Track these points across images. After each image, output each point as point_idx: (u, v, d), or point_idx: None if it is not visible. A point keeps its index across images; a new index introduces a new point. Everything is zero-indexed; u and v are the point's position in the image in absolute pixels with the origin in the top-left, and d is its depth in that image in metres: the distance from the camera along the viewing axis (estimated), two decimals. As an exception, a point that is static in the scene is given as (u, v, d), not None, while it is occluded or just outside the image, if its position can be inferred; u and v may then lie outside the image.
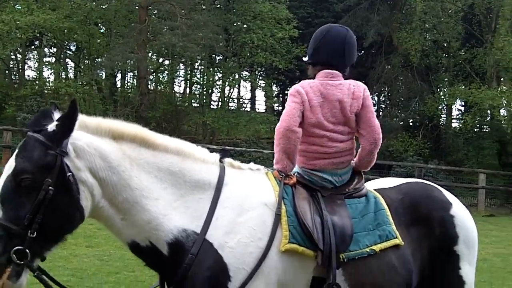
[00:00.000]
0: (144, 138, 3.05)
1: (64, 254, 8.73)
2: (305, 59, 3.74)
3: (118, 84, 31.75)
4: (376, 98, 33.16)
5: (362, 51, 30.74)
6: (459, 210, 3.64)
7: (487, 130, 29.38)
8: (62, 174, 2.77)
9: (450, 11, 28.64)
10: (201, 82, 30.93)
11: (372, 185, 3.73)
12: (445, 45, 29.08)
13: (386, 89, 31.26)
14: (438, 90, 29.91)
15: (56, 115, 2.88)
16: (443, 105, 30.37)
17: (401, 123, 28.28)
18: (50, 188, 2.72)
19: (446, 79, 29.93)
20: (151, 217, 2.96)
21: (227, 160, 3.33)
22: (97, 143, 2.91)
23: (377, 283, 3.26)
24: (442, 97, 29.58)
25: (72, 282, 7.38)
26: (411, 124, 29.28)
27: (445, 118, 32.21)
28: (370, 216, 3.38)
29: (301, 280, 3.14)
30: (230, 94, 31.45)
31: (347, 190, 3.48)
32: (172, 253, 2.99)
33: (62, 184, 2.77)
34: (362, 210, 3.40)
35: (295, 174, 3.44)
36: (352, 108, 3.42)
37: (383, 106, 32.94)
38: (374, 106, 25.89)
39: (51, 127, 2.80)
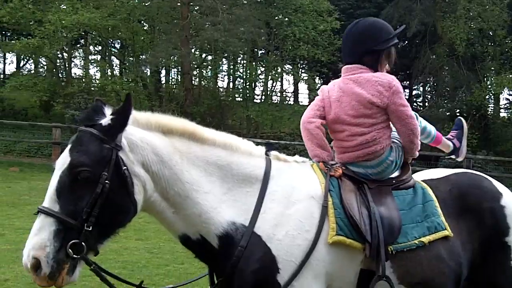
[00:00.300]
0: (192, 132, 3.09)
1: (115, 247, 8.93)
2: None
3: (163, 80, 32.21)
4: (421, 89, 32.69)
5: (406, 42, 30.30)
6: (509, 200, 3.58)
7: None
8: (117, 168, 2.82)
9: (495, -2, 27.86)
10: (244, 77, 30.99)
11: (420, 176, 3.71)
12: (490, 33, 28.29)
13: (432, 79, 30.67)
14: (485, 79, 29.20)
15: (107, 110, 2.92)
16: (491, 94, 29.68)
17: (447, 114, 27.70)
18: (107, 181, 2.77)
19: (492, 68, 29.21)
20: (202, 210, 3.00)
21: (273, 153, 3.35)
22: (149, 137, 2.96)
23: (426, 275, 3.24)
24: (489, 86, 28.88)
25: (123, 274, 7.46)
26: (458, 114, 28.65)
27: (492, 108, 31.47)
28: (418, 207, 3.36)
29: (350, 272, 3.14)
30: (273, 87, 31.49)
31: (394, 181, 3.46)
32: (222, 246, 3.02)
33: (117, 177, 2.82)
34: (410, 201, 3.39)
35: (341, 167, 3.42)
36: (374, 100, 3.39)
37: (429, 96, 32.35)
38: (420, 97, 25.62)
39: (106, 121, 2.84)
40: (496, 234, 3.47)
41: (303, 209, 3.11)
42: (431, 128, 3.95)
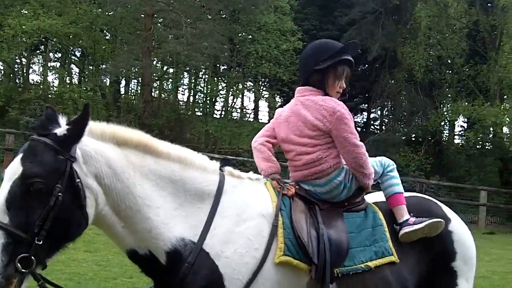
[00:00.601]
0: (147, 144, 3.03)
1: (62, 259, 8.70)
2: None
3: (122, 91, 31.86)
4: (379, 112, 33.22)
5: (366, 65, 30.83)
6: (457, 226, 3.63)
7: (489, 148, 29.33)
8: (71, 180, 2.73)
9: (454, 28, 28.66)
10: (205, 91, 30.98)
11: (373, 198, 3.72)
12: (449, 61, 29.06)
13: (390, 103, 31.23)
14: (442, 105, 29.92)
15: (61, 119, 2.83)
16: (446, 121, 30.35)
17: (403, 138, 28.20)
18: (60, 194, 2.67)
19: (449, 95, 29.94)
20: (152, 225, 2.93)
21: (227, 168, 3.31)
22: (103, 149, 2.88)
23: None
24: (445, 113, 29.58)
25: (69, 286, 7.35)
26: (413, 139, 29.21)
27: (447, 134, 32.19)
28: (368, 231, 3.37)
29: None
30: (233, 104, 31.52)
31: (346, 204, 3.46)
32: (170, 262, 2.96)
33: (71, 190, 2.73)
34: (360, 224, 3.39)
35: (295, 185, 3.42)
36: (316, 123, 3.39)
37: (386, 120, 32.92)
38: (377, 120, 25.91)
39: (61, 131, 2.75)
40: (443, 259, 3.50)
41: (253, 227, 3.08)
42: (397, 184, 3.61)
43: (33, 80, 31.55)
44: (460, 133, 33.27)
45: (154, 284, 3.15)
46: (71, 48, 29.35)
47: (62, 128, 2.77)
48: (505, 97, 28.61)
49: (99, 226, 2.99)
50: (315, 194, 3.44)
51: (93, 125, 2.89)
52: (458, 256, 3.55)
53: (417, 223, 3.38)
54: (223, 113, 30.34)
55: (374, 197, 3.79)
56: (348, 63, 3.55)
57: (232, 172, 3.31)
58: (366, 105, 31.63)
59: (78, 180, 2.74)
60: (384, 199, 3.69)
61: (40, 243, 2.63)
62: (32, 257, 2.62)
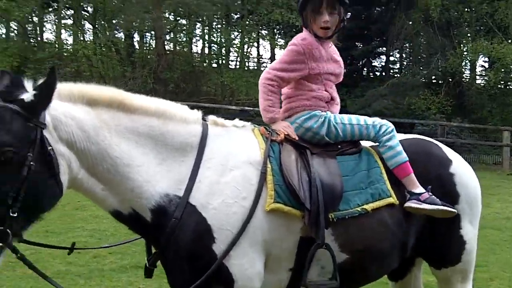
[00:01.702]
0: (121, 101, 2.89)
1: (84, 216, 8.75)
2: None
3: (136, 45, 31.56)
4: (397, 55, 32.60)
5: (382, 7, 30.08)
6: (459, 168, 3.51)
7: (511, 87, 28.75)
8: (42, 148, 2.61)
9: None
10: (218, 42, 30.57)
11: (369, 142, 3.57)
12: (466, -2, 28.15)
13: (407, 45, 30.59)
14: (461, 45, 29.20)
15: (27, 84, 2.68)
16: (466, 61, 29.74)
17: (422, 80, 27.68)
18: (32, 163, 2.56)
19: (468, 34, 29.15)
20: (134, 185, 2.86)
21: (211, 117, 3.22)
22: (73, 112, 2.76)
23: (369, 242, 3.18)
24: (465, 52, 28.90)
25: (91, 243, 7.41)
26: (433, 81, 28.66)
27: (468, 75, 31.57)
28: (363, 174, 3.26)
29: (289, 240, 3.04)
30: (247, 53, 31.11)
31: (339, 146, 3.36)
32: (155, 219, 2.90)
33: (42, 158, 2.62)
34: (354, 167, 3.28)
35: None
36: None
37: (405, 63, 32.29)
38: (396, 63, 25.49)
39: (28, 97, 2.60)
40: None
41: (240, 176, 2.99)
42: (398, 154, 3.33)
43: (47, 39, 31.46)
44: (481, 73, 32.60)
45: (145, 242, 3.15)
46: (82, 4, 28.96)
47: (29, 93, 2.62)
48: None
49: (77, 190, 2.90)
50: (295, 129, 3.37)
51: (61, 87, 2.75)
52: (461, 198, 3.44)
53: (427, 203, 3.21)
54: (238, 63, 29.99)
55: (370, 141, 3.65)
56: None
57: (216, 120, 3.21)
58: (384, 48, 31.01)
59: (49, 147, 2.63)
60: None
61: (15, 215, 2.53)
62: (8, 230, 2.53)
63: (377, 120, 3.43)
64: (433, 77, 28.21)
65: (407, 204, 3.24)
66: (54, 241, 7.06)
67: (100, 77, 27.22)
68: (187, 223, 2.86)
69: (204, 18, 27.72)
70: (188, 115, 3.09)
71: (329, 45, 3.51)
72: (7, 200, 2.51)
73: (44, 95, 2.61)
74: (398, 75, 28.85)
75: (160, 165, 2.93)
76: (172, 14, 29.85)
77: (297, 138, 3.28)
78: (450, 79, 27.48)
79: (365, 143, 3.52)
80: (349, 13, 3.91)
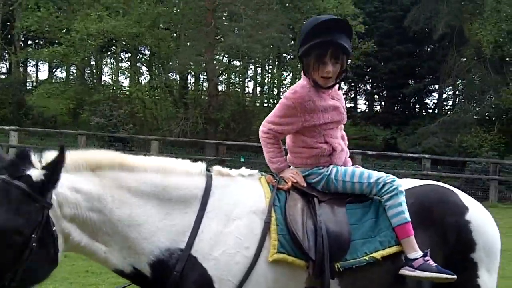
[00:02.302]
0: (121, 162, 2.95)
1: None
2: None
3: (190, 87, 32.19)
4: (449, 92, 32.23)
5: (432, 45, 29.96)
6: (477, 215, 3.38)
7: None
8: (47, 228, 2.60)
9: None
10: (266, 81, 30.92)
11: None
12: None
13: (460, 83, 30.23)
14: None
15: (34, 159, 2.68)
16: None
17: (475, 118, 27.20)
18: (34, 244, 2.54)
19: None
20: (132, 243, 2.87)
21: (216, 168, 3.21)
22: (78, 184, 2.79)
23: None
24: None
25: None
26: (486, 118, 28.13)
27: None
28: (372, 221, 3.19)
29: None
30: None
31: (348, 194, 3.30)
32: (156, 274, 2.90)
33: (45, 239, 2.61)
34: (364, 215, 3.21)
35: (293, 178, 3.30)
36: None
37: (457, 100, 31.87)
38: (448, 100, 24.98)
39: (37, 176, 2.60)
40: (460, 251, 3.29)
41: (243, 226, 2.97)
42: (400, 213, 3.18)
43: (104, 81, 32.47)
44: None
45: None
46: (139, 48, 29.86)
47: (38, 172, 2.62)
48: None
49: (79, 253, 2.96)
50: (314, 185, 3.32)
51: (66, 158, 2.74)
52: (478, 246, 3.31)
53: (421, 269, 3.06)
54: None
55: None
56: (334, 44, 3.25)
57: (221, 171, 3.20)
58: (436, 86, 30.75)
59: (53, 228, 2.63)
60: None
61: None
62: None
63: (381, 178, 3.26)
64: (486, 114, 27.71)
65: (401, 271, 3.13)
66: (94, 281, 7.20)
67: (153, 118, 27.89)
68: (189, 276, 2.84)
69: (257, 59, 28.10)
70: (190, 168, 3.10)
71: (329, 91, 3.40)
72: (5, 280, 2.50)
73: (53, 175, 2.60)
74: (450, 113, 28.43)
75: (164, 220, 2.92)
76: (225, 56, 30.48)
77: (305, 185, 3.25)
78: (503, 116, 26.91)
79: None
80: (349, 60, 3.94)
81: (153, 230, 2.89)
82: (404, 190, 3.34)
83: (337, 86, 3.42)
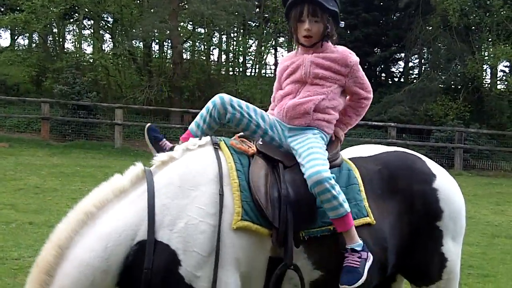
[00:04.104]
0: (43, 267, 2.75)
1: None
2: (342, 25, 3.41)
3: (154, 54, 31.73)
4: (415, 61, 32.35)
5: (398, 13, 29.91)
6: (444, 183, 3.36)
7: (533, 92, 28.26)
8: None
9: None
10: (232, 49, 30.66)
11: (350, 153, 3.47)
12: (487, 2, 27.74)
13: (425, 51, 30.32)
14: (482, 50, 28.81)
15: None
16: (487, 66, 29.35)
17: (441, 86, 27.34)
18: None
19: (489, 39, 28.72)
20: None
21: (157, 159, 3.04)
22: None
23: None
24: (487, 57, 28.51)
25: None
26: (452, 87, 28.32)
27: (489, 81, 31.12)
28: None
29: (259, 259, 2.91)
30: (264, 61, 31.11)
31: None
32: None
33: None
34: None
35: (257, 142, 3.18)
36: None
37: (423, 69, 32.03)
38: (415, 69, 25.31)
39: None
40: (427, 219, 3.26)
41: (203, 195, 2.85)
42: (341, 201, 2.99)
43: (67, 49, 31.78)
44: (501, 78, 32.12)
45: None
46: (102, 15, 29.21)
47: None
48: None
49: None
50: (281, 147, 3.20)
51: None
52: (444, 214, 3.30)
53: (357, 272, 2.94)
54: (255, 71, 29.99)
55: (352, 152, 3.52)
56: (309, 1, 3.19)
57: (163, 159, 3.03)
58: (402, 54, 30.80)
59: None
60: (361, 154, 3.44)
61: None
62: None
63: (308, 171, 3.01)
64: (452, 83, 27.87)
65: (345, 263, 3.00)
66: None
67: (117, 85, 27.45)
68: (158, 265, 2.75)
69: (222, 26, 27.73)
70: (123, 185, 2.92)
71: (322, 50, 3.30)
72: None
73: None
74: (416, 81, 28.56)
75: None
76: (190, 23, 29.99)
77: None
78: (469, 85, 27.13)
79: (346, 155, 3.41)
80: (343, 22, 3.79)
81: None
82: (372, 156, 3.35)
83: (332, 44, 3.32)
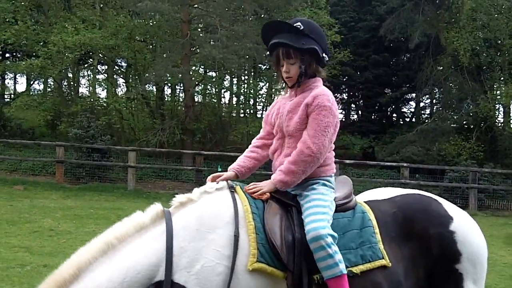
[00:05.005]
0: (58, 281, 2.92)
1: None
2: (326, 58, 3.42)
3: (167, 98, 32.09)
4: (427, 101, 32.42)
5: (408, 54, 30.12)
6: (462, 225, 3.32)
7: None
8: None
9: (503, 7, 27.40)
10: (243, 92, 31.01)
11: (365, 197, 3.47)
12: (498, 42, 27.84)
13: (436, 91, 30.40)
14: (494, 89, 28.80)
15: None
16: (499, 105, 29.29)
17: (453, 126, 27.31)
18: None
19: (501, 78, 28.77)
20: None
21: (176, 200, 3.11)
22: None
23: None
24: (499, 96, 28.48)
25: None
26: (464, 126, 28.26)
27: (502, 120, 31.01)
28: (354, 233, 3.13)
29: None
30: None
31: None
32: None
33: None
34: (346, 226, 3.15)
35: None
36: None
37: (434, 109, 32.05)
38: (426, 109, 25.24)
39: None
40: (444, 262, 3.23)
41: (219, 238, 2.89)
42: (337, 260, 2.97)
43: (82, 93, 32.31)
44: (514, 117, 31.95)
45: None
46: (116, 60, 29.71)
47: None
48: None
49: None
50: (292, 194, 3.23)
51: None
52: (463, 257, 3.25)
53: None
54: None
55: (367, 196, 3.53)
56: (280, 44, 3.26)
57: (181, 200, 3.09)
58: (414, 95, 30.91)
59: None
60: (377, 197, 3.44)
61: None
62: None
63: (307, 227, 3.04)
64: (464, 122, 27.84)
65: None
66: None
67: (131, 129, 27.71)
68: None
69: (233, 70, 28.08)
70: (142, 222, 2.99)
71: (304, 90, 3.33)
72: None
73: None
74: (428, 121, 28.55)
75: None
76: (201, 67, 30.39)
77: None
78: (482, 124, 27.05)
79: (361, 198, 3.42)
80: (326, 56, 3.82)
81: None
82: (387, 198, 3.32)
83: (317, 84, 3.33)
